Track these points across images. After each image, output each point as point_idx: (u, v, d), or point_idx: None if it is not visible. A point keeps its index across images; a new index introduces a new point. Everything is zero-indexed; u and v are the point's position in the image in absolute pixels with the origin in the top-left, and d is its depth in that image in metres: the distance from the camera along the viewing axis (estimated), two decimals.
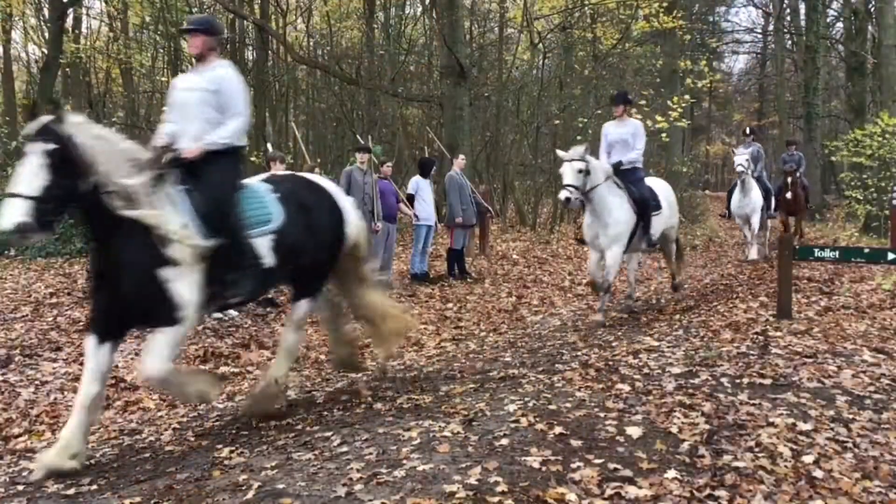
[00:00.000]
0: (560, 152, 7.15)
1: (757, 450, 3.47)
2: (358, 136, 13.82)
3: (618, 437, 3.62)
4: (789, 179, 12.73)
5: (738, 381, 4.57)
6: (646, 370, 4.94)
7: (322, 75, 19.38)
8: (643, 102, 15.90)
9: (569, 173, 6.75)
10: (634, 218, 7.10)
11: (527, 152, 19.81)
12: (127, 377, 5.78)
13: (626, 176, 7.22)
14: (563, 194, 6.76)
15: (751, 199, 11.60)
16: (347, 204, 4.98)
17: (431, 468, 3.24)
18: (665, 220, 7.80)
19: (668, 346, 5.68)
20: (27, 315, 7.56)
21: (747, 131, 13.14)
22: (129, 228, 3.69)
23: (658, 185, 7.98)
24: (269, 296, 8.40)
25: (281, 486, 3.15)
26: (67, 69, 20.12)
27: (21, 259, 10.66)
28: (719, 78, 28.88)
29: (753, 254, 11.57)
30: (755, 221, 11.61)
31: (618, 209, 6.98)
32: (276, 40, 17.84)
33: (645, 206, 7.21)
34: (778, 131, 30.46)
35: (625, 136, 7.42)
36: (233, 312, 7.93)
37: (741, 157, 11.43)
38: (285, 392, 4.91)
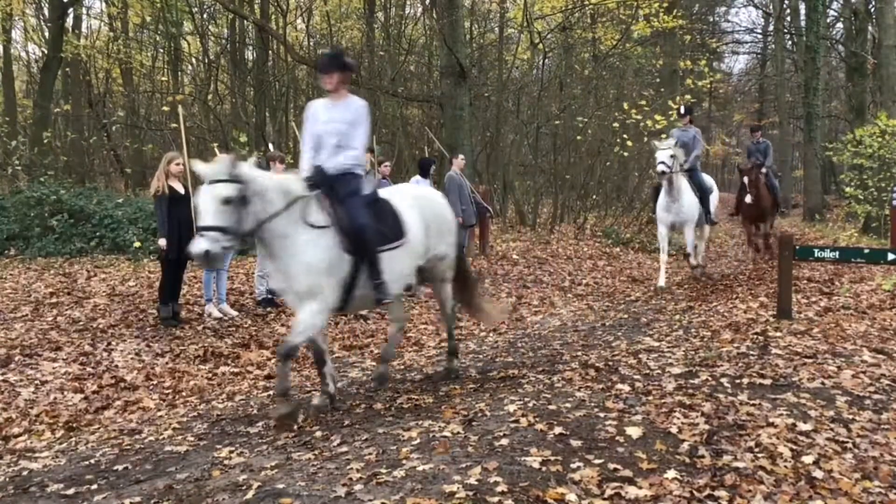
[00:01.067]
0: (201, 167, 4.18)
1: (757, 450, 3.47)
2: None
3: (618, 437, 3.62)
4: (746, 179, 10.74)
5: (738, 381, 4.57)
6: (646, 370, 4.94)
7: None
8: (643, 102, 15.88)
9: (210, 206, 4.03)
10: (346, 259, 4.47)
11: (527, 152, 19.82)
12: (127, 377, 5.78)
13: (337, 192, 4.61)
14: (198, 246, 4.00)
15: (682, 206, 9.31)
16: None
17: (431, 468, 3.24)
18: (417, 253, 4.95)
19: (668, 346, 5.69)
20: (27, 315, 7.55)
21: (682, 111, 10.51)
22: None
23: (405, 198, 5.04)
24: (270, 296, 8.41)
25: (281, 486, 3.15)
26: (67, 69, 20.13)
27: (21, 259, 10.66)
28: (719, 78, 28.89)
29: (696, 265, 9.75)
30: (690, 233, 9.48)
31: (307, 249, 4.33)
32: (276, 40, 17.84)
33: (362, 239, 4.51)
34: (778, 131, 30.49)
35: (339, 124, 4.72)
36: (233, 312, 7.93)
37: (663, 152, 9.08)
38: None
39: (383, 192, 5.07)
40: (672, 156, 9.12)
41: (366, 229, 4.53)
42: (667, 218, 9.53)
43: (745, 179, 10.78)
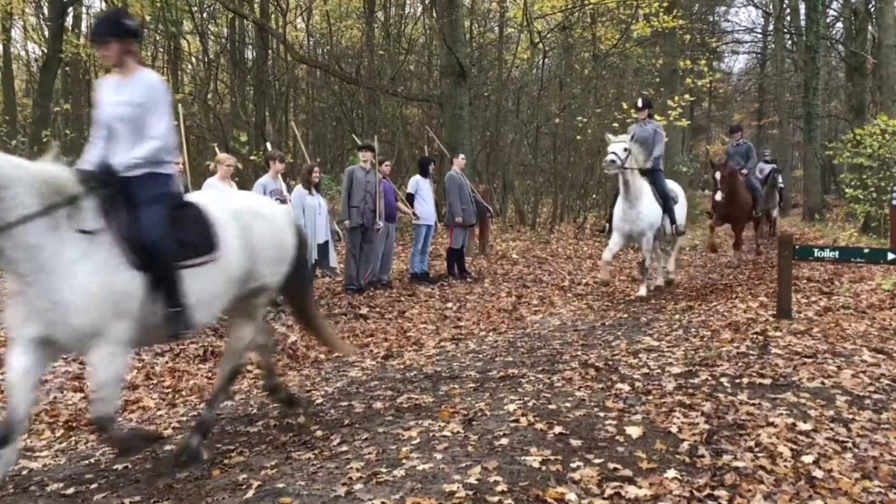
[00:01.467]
0: None
1: (757, 450, 3.47)
2: (355, 137, 13.83)
3: (618, 437, 3.62)
4: (718, 175, 9.95)
5: (737, 381, 4.57)
6: (646, 370, 4.94)
7: (322, 74, 19.39)
8: None
9: None
10: (138, 278, 3.35)
11: (527, 152, 19.82)
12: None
13: (134, 197, 3.49)
14: None
15: (639, 212, 8.22)
16: None
17: (431, 468, 3.25)
18: (233, 275, 3.77)
19: (668, 346, 5.69)
20: None
21: (639, 104, 9.15)
22: None
23: (224, 208, 3.85)
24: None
25: (280, 486, 3.15)
26: (67, 68, 20.13)
27: None
28: (719, 78, 28.89)
29: (642, 290, 8.57)
30: (646, 243, 8.40)
31: (84, 269, 3.19)
32: (276, 39, 17.85)
33: (154, 253, 3.39)
34: (778, 131, 30.49)
35: (129, 107, 3.61)
36: None
37: (616, 145, 8.04)
38: None
39: (199, 196, 4.01)
40: (626, 149, 8.03)
41: (158, 243, 3.41)
42: (623, 227, 8.31)
43: (718, 175, 10.03)
